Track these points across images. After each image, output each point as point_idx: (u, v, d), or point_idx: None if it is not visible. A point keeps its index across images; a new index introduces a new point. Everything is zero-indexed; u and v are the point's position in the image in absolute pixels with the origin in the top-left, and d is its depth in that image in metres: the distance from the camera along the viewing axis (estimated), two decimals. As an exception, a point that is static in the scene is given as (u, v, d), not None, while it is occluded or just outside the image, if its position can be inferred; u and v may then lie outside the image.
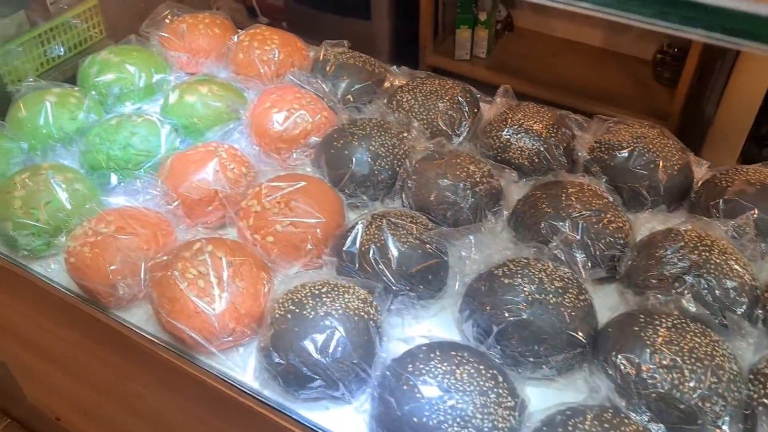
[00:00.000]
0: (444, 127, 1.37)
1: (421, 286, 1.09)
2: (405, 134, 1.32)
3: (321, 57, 1.52)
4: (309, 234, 1.14)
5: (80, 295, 1.15)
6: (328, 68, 1.49)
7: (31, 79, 1.45)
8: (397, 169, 1.27)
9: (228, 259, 1.06)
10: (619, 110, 2.53)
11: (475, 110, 1.42)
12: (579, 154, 1.30)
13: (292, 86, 1.44)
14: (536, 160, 1.29)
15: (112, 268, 1.08)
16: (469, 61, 2.90)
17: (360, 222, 1.12)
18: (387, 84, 1.53)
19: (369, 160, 1.26)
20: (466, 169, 1.22)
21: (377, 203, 1.28)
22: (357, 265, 1.08)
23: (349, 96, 1.46)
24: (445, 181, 1.19)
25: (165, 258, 1.07)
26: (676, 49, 2.63)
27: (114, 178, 1.29)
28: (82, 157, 1.31)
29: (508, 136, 1.32)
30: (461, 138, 1.38)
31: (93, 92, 1.47)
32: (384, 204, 1.28)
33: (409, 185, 1.22)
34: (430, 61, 2.88)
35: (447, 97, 1.39)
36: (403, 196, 1.23)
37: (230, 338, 1.03)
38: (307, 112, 1.36)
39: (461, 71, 2.86)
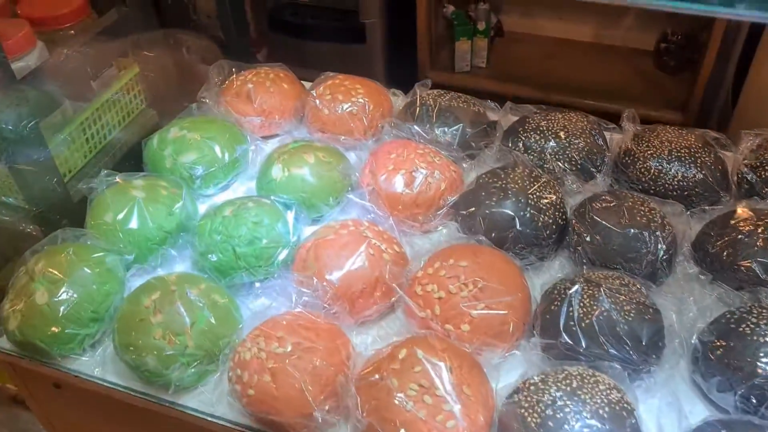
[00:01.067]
0: (587, 165, 1.26)
1: (654, 356, 0.97)
2: (556, 180, 1.20)
3: (418, 102, 1.38)
4: (508, 315, 1.01)
5: (258, 429, 0.97)
6: (432, 114, 1.35)
7: (105, 173, 1.24)
8: (560, 221, 1.15)
9: (447, 364, 0.91)
10: (632, 105, 2.49)
11: (606, 141, 1.32)
12: (746, 176, 1.22)
13: (406, 142, 1.29)
14: (697, 190, 1.20)
15: (307, 395, 0.92)
16: (469, 72, 2.81)
17: (570, 293, 0.99)
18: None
19: (532, 216, 1.13)
20: (643, 212, 1.11)
21: (545, 262, 1.16)
22: (584, 345, 0.95)
23: (466, 143, 1.33)
24: (632, 229, 1.08)
25: (376, 377, 0.91)
26: (679, 36, 2.62)
27: (244, 278, 1.12)
28: (202, 260, 1.12)
29: (658, 166, 1.22)
30: (602, 173, 1.27)
31: (174, 177, 1.28)
32: (556, 262, 1.16)
33: (587, 239, 1.10)
34: (430, 78, 2.77)
35: (579, 132, 1.28)
36: (580, 250, 1.11)
37: (471, 457, 0.89)
38: (438, 170, 1.22)
39: (464, 84, 2.77)
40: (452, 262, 1.05)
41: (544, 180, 1.18)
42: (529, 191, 1.15)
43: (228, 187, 1.35)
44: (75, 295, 1.05)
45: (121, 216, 1.16)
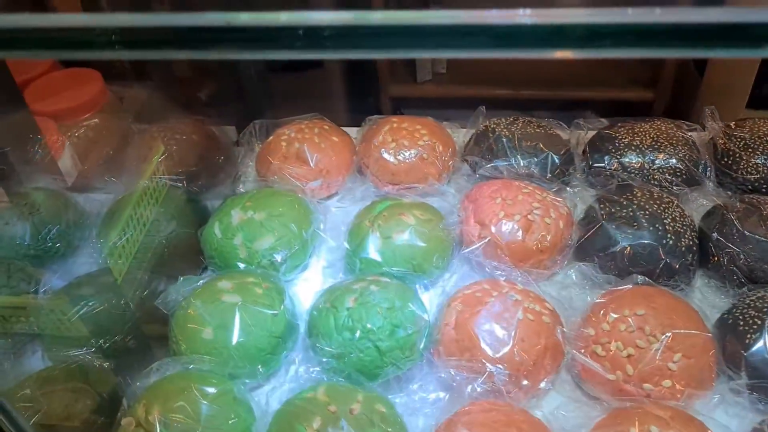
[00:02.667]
0: (693, 173, 1.19)
1: None
2: (673, 197, 1.13)
3: (491, 134, 1.27)
4: (707, 359, 0.92)
5: None
6: (514, 145, 1.24)
7: (181, 278, 1.05)
8: (696, 240, 1.08)
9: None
10: (603, 89, 2.51)
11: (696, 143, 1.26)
12: None
13: (505, 182, 1.17)
14: (814, 182, 1.16)
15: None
16: (432, 80, 2.73)
17: (766, 322, 0.91)
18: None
19: (674, 242, 1.05)
20: (785, 218, 1.05)
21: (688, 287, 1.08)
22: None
23: (558, 172, 1.23)
24: (788, 239, 1.02)
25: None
26: (632, 14, 2.64)
27: (390, 374, 0.97)
28: (339, 363, 0.96)
29: (766, 162, 1.17)
30: (709, 179, 1.21)
31: (258, 269, 1.11)
32: (696, 283, 1.09)
33: (741, 256, 1.03)
34: (393, 93, 2.69)
35: (674, 140, 1.21)
36: (735, 269, 1.04)
37: None
38: (552, 208, 1.12)
39: (429, 93, 2.70)
40: (628, 312, 0.95)
41: (667, 199, 1.10)
42: (662, 215, 1.07)
43: (307, 266, 1.19)
44: (213, 442, 0.87)
45: (222, 330, 0.99)
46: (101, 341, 1.04)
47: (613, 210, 1.09)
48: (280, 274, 1.13)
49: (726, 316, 0.99)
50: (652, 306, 0.95)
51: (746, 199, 1.11)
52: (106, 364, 1.02)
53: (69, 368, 1.00)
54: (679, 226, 1.06)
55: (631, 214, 1.08)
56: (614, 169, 1.20)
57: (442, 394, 0.96)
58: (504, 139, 1.25)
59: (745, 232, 1.04)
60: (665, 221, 1.06)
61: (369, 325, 0.96)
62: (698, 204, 1.18)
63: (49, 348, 1.05)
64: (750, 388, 0.91)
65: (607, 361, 0.93)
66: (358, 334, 0.96)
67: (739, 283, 1.04)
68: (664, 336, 0.92)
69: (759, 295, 0.98)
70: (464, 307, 0.99)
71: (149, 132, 1.27)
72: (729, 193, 1.20)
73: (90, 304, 1.04)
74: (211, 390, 0.91)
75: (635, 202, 1.09)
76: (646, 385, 0.91)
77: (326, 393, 0.91)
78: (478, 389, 0.92)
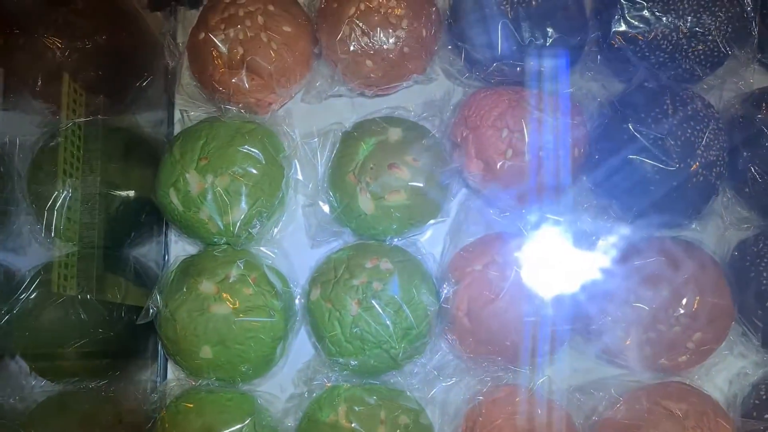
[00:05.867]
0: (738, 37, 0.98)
1: None
2: (710, 111, 0.95)
3: None
4: (721, 329, 0.92)
5: None
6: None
7: (156, 292, 0.94)
8: (725, 160, 0.95)
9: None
10: None
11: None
12: None
13: (512, 99, 0.95)
14: None
15: None
16: None
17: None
18: None
19: (704, 180, 0.93)
20: None
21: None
22: None
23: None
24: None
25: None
26: None
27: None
28: (354, 370, 0.93)
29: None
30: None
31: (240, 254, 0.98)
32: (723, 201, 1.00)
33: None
34: None
35: None
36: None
37: None
38: (564, 139, 0.95)
39: None
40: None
41: (702, 112, 0.93)
42: (695, 141, 0.92)
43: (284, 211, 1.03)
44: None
45: (221, 346, 0.93)
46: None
47: (641, 130, 0.92)
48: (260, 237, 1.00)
49: (748, 264, 0.94)
50: (683, 276, 0.89)
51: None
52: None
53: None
54: (712, 154, 0.93)
55: (660, 143, 0.92)
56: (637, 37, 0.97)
57: (455, 379, 0.96)
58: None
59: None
60: (698, 151, 0.92)
61: (379, 336, 0.90)
62: (734, 83, 1.00)
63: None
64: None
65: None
66: (368, 344, 0.91)
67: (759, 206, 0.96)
68: (687, 319, 0.89)
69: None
70: (476, 292, 0.92)
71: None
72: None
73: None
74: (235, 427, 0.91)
75: (665, 122, 0.92)
76: (662, 361, 0.92)
77: (347, 416, 0.90)
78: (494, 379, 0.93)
